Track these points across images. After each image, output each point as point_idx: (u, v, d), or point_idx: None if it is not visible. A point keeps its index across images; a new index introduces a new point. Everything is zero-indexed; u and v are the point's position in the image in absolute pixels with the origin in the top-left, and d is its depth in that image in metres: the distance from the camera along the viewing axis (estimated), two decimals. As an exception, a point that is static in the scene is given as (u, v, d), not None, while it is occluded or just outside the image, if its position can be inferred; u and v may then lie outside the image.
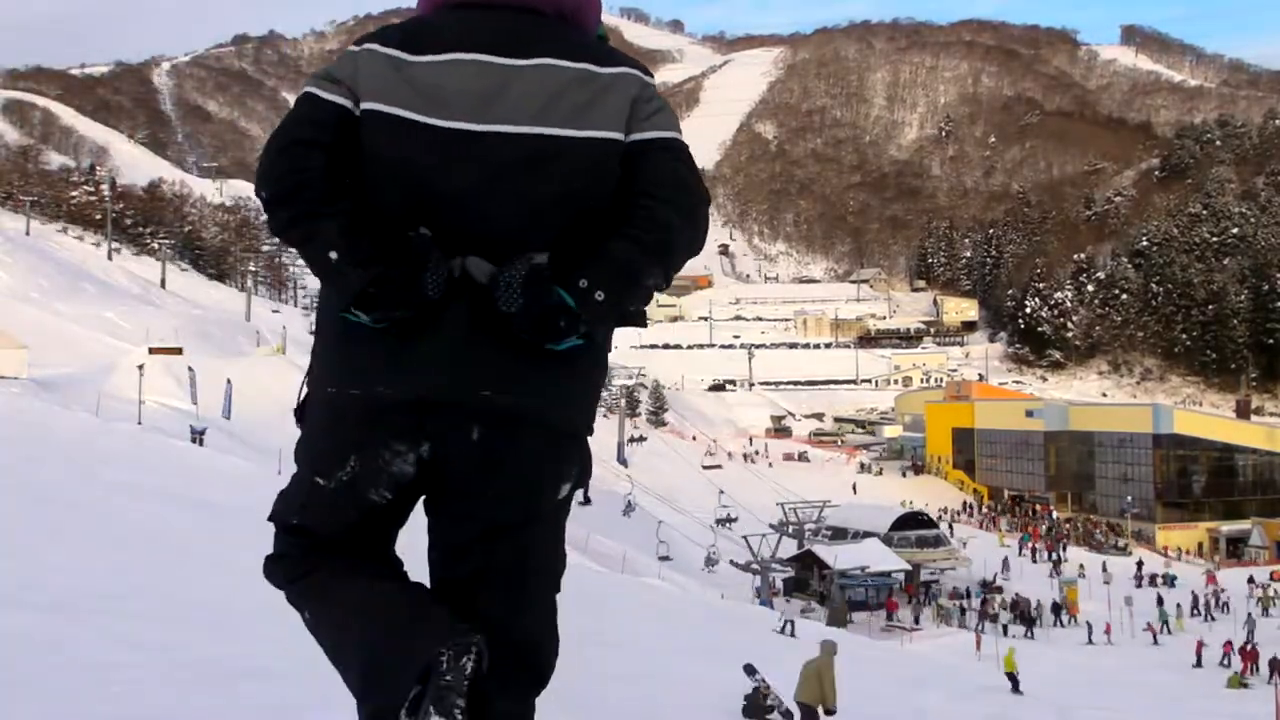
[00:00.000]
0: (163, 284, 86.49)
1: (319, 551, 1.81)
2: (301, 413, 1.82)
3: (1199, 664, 29.98)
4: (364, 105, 1.74)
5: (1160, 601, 38.23)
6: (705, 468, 68.48)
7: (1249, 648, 29.60)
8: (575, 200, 1.72)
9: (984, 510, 67.86)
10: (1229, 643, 30.59)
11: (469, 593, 1.77)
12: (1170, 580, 45.52)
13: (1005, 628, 35.99)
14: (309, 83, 1.78)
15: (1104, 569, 44.88)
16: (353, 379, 1.73)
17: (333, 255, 1.67)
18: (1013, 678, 21.28)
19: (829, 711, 11.52)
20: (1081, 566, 46.71)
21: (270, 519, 1.86)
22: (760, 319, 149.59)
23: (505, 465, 1.73)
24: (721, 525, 47.88)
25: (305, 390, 1.82)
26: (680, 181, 1.76)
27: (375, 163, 1.73)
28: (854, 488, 63.79)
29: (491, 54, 1.74)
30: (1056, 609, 38.39)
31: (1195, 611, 38.95)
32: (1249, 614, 35.56)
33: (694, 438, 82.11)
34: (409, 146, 1.72)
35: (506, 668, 1.74)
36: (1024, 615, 37.26)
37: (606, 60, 1.77)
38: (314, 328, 1.87)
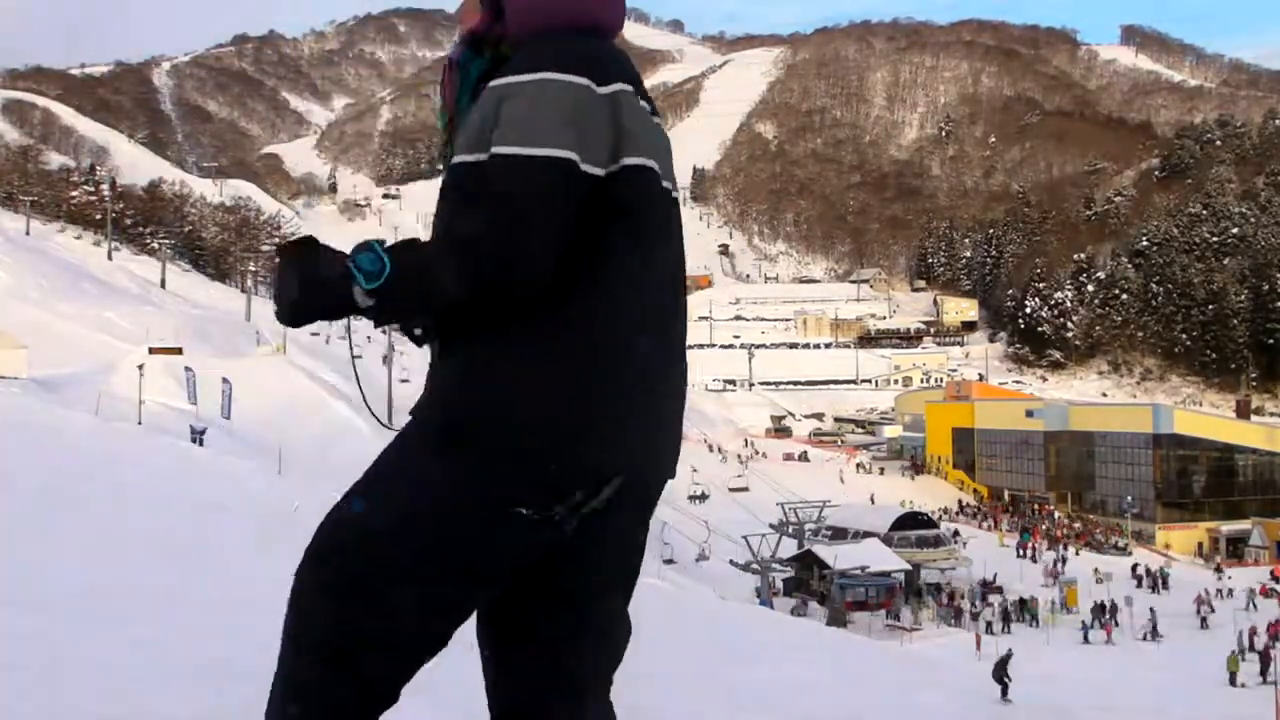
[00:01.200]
0: (163, 284, 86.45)
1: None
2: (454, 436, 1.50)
3: (1252, 648, 30.09)
4: (626, 160, 1.49)
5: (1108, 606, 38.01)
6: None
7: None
8: None
9: (983, 510, 67.81)
10: (1276, 623, 30.94)
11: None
12: (1164, 578, 45.52)
13: (989, 625, 36.06)
14: (563, 142, 1.41)
15: (1146, 579, 44.83)
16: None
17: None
18: None
19: None
20: (1096, 569, 46.59)
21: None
22: (760, 319, 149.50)
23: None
24: (693, 501, 48.53)
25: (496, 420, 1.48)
26: None
27: (624, 220, 1.49)
28: (871, 494, 62.77)
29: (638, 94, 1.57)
30: (1023, 605, 38.47)
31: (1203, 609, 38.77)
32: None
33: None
34: (656, 203, 1.53)
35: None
36: (1006, 614, 37.37)
37: None
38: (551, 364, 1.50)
